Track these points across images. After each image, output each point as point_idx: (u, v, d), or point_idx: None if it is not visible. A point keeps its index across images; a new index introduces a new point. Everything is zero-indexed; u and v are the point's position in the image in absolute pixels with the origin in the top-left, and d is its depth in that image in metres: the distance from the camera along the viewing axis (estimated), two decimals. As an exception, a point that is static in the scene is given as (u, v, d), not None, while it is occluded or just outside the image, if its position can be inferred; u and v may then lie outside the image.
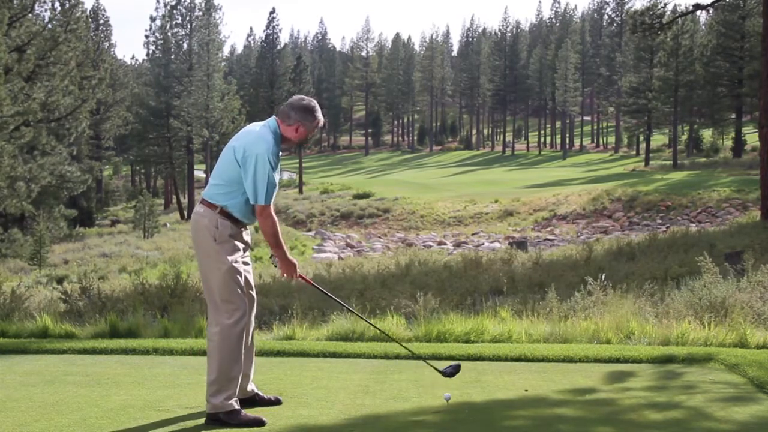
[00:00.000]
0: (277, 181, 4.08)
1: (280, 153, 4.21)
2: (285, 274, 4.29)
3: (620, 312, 7.31)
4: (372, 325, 5.67)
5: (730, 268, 10.07)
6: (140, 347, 6.19)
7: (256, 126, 4.20)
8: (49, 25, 32.44)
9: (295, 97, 4.26)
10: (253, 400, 4.33)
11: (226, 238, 4.07)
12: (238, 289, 4.07)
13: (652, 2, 28.21)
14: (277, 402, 4.40)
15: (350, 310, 5.27)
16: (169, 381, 5.08)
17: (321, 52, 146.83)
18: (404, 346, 5.27)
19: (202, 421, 4.06)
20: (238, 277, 4.09)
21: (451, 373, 4.39)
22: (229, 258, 4.06)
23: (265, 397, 4.41)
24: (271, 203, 4.07)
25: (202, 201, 4.16)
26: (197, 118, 55.21)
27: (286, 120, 4.15)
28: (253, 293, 4.33)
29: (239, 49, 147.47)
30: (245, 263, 4.24)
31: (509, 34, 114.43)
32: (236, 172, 4.03)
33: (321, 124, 4.23)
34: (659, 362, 5.62)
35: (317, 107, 4.21)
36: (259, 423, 3.98)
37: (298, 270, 4.27)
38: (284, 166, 77.07)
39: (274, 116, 4.22)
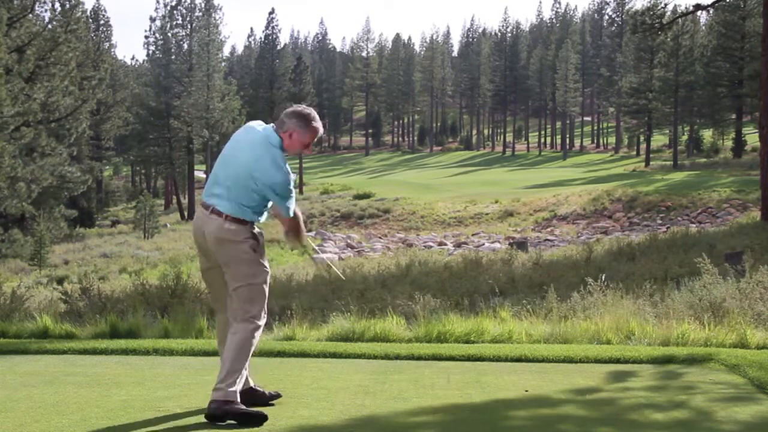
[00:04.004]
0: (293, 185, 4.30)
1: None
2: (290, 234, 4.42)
3: (620, 312, 7.30)
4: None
5: (730, 269, 10.05)
6: (140, 347, 6.19)
7: (262, 147, 4.12)
8: (49, 26, 32.49)
9: (295, 105, 4.35)
10: (252, 396, 4.31)
11: (262, 247, 4.25)
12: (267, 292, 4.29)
13: (652, 2, 28.29)
14: (278, 395, 4.42)
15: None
16: (169, 381, 5.07)
17: (321, 52, 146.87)
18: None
19: (203, 421, 4.05)
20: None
21: None
22: (267, 264, 4.27)
23: (267, 392, 4.41)
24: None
25: (228, 217, 4.11)
26: (197, 118, 55.24)
27: (281, 127, 4.20)
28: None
29: (239, 50, 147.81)
30: None
31: (509, 34, 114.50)
32: (259, 197, 4.14)
33: (320, 132, 4.27)
34: (659, 362, 5.62)
35: (314, 115, 4.24)
36: (262, 417, 3.99)
37: (304, 238, 4.42)
38: (284, 166, 76.59)
39: (272, 126, 4.23)
